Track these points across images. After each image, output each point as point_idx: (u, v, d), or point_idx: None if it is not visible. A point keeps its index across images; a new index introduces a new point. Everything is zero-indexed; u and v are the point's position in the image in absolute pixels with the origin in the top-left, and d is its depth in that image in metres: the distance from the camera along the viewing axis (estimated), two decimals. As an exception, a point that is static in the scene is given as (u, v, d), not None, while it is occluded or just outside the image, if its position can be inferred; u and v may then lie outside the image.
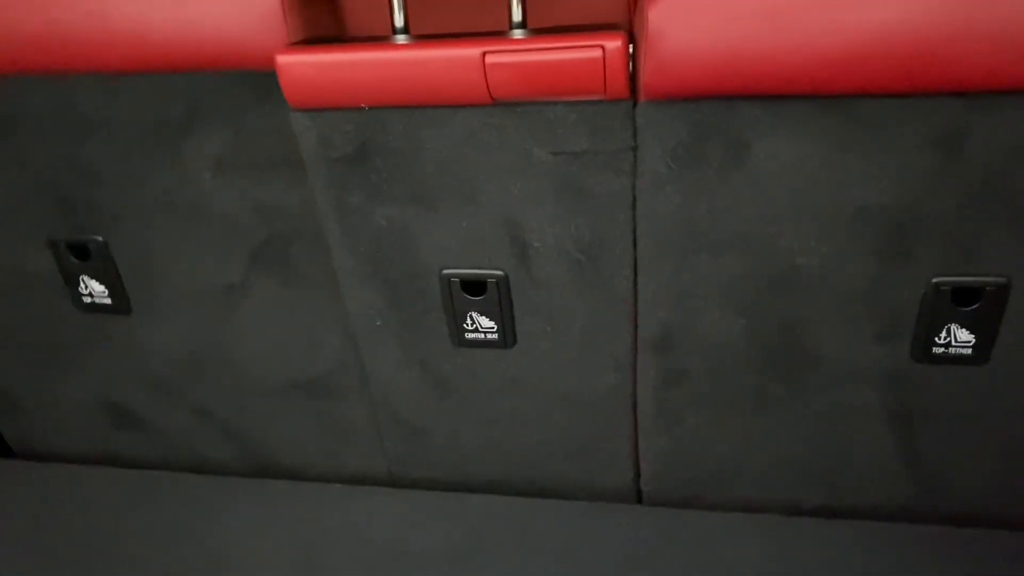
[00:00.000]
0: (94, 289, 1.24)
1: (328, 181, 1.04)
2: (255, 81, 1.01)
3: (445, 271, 1.11)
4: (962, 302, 1.00)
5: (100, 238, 1.19)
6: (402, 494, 1.33)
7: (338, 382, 1.28)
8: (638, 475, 1.26)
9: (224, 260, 1.18)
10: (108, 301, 1.24)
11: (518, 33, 0.96)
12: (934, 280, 0.99)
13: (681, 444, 1.20)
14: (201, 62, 0.99)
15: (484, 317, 1.14)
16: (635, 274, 1.06)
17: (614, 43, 0.89)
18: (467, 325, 1.15)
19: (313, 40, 1.00)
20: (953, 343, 1.03)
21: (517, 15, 0.97)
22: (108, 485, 1.38)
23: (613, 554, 1.17)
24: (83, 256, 1.22)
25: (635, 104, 0.93)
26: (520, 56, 0.91)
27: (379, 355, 1.21)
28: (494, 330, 1.15)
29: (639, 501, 1.28)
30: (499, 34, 0.96)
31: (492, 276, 1.10)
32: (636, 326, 1.11)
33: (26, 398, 1.41)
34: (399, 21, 1.00)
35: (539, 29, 0.97)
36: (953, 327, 1.02)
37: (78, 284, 1.24)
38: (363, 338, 1.20)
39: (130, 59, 1.00)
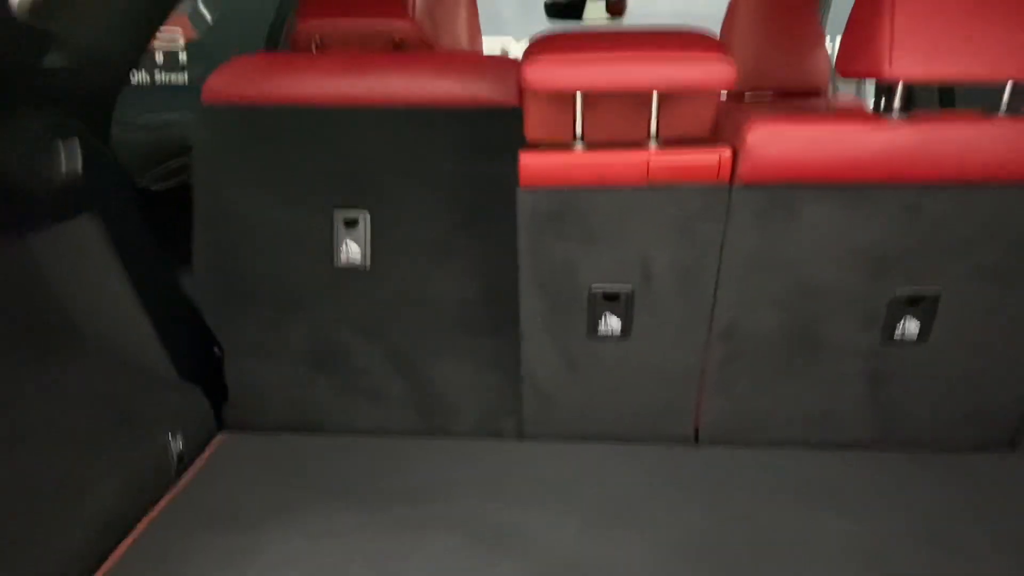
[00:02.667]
0: (351, 250, 1.79)
1: (531, 226, 1.65)
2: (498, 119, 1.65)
3: (594, 287, 1.72)
4: (912, 304, 1.68)
5: (367, 212, 1.76)
6: (527, 447, 1.90)
7: (490, 362, 1.86)
8: (697, 426, 1.89)
9: (438, 225, 1.77)
10: (358, 260, 1.80)
11: (653, 143, 1.60)
12: (896, 292, 1.66)
13: (732, 402, 1.84)
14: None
15: (614, 317, 1.75)
16: (716, 288, 1.70)
17: (726, 152, 1.54)
18: (600, 324, 1.76)
19: (539, 144, 1.62)
20: (906, 331, 1.71)
21: (653, 130, 1.61)
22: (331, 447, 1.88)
23: (678, 475, 1.78)
24: (351, 228, 1.77)
25: (731, 186, 1.58)
26: (671, 159, 1.55)
27: (533, 342, 1.80)
28: (620, 327, 1.76)
29: (696, 442, 1.90)
30: (641, 143, 1.59)
31: (625, 290, 1.71)
32: (711, 323, 1.74)
33: (258, 346, 1.91)
34: (579, 131, 1.62)
35: (667, 139, 1.61)
36: (908, 320, 1.69)
37: (342, 247, 1.79)
38: (525, 332, 1.79)
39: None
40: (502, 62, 1.81)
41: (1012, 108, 1.54)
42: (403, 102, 1.73)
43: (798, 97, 2.53)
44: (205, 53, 3.42)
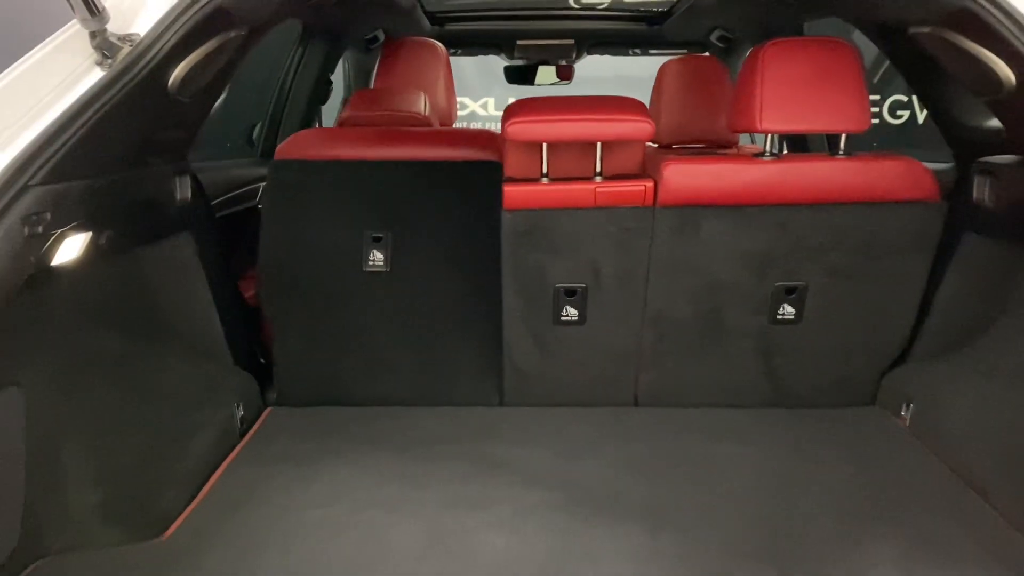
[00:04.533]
0: (376, 258, 2.38)
1: (511, 239, 2.25)
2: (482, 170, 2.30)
3: (557, 285, 2.32)
4: (788, 294, 2.31)
5: (386, 233, 2.37)
6: (508, 411, 2.47)
7: (479, 345, 2.44)
8: (636, 393, 2.48)
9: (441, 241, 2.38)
10: (381, 265, 2.38)
11: (598, 178, 2.22)
12: (776, 284, 2.29)
13: (661, 373, 2.44)
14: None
15: (572, 308, 2.35)
16: (646, 285, 2.31)
17: (650, 184, 2.17)
18: (563, 313, 2.36)
19: (516, 179, 2.23)
20: (785, 314, 2.33)
21: (598, 168, 2.23)
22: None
23: (623, 428, 2.35)
24: (377, 243, 2.37)
25: (654, 208, 2.20)
26: (611, 189, 2.18)
27: (512, 329, 2.39)
28: (577, 316, 2.36)
29: (636, 405, 2.49)
30: (590, 178, 2.22)
31: (580, 286, 2.32)
32: (644, 312, 2.35)
33: (305, 330, 2.46)
34: (545, 169, 2.24)
35: (608, 175, 2.24)
36: (785, 306, 2.32)
37: (370, 256, 2.37)
38: (506, 321, 2.37)
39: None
40: (483, 133, 2.52)
41: (847, 151, 2.20)
42: (417, 159, 2.39)
43: (714, 147, 3.21)
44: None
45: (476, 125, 7.96)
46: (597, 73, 4.94)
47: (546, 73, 4.78)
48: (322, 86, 3.64)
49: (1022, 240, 2.04)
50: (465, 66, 6.77)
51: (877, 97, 6.31)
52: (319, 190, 2.40)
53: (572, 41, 4.09)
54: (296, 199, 2.40)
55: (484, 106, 8.31)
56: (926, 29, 1.95)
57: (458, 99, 8.24)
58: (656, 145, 3.30)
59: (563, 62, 4.41)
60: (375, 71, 3.63)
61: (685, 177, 2.18)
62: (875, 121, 5.14)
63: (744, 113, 2.16)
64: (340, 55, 3.80)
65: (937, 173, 2.27)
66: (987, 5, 1.69)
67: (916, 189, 2.18)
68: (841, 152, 2.21)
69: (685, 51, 4.10)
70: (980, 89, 1.93)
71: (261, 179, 3.24)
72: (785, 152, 3.46)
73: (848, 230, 2.22)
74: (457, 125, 7.86)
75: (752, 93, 2.13)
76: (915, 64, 2.30)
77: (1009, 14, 1.67)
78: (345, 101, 4.41)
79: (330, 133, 2.51)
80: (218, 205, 2.60)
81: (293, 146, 2.44)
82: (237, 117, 3.42)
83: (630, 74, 4.67)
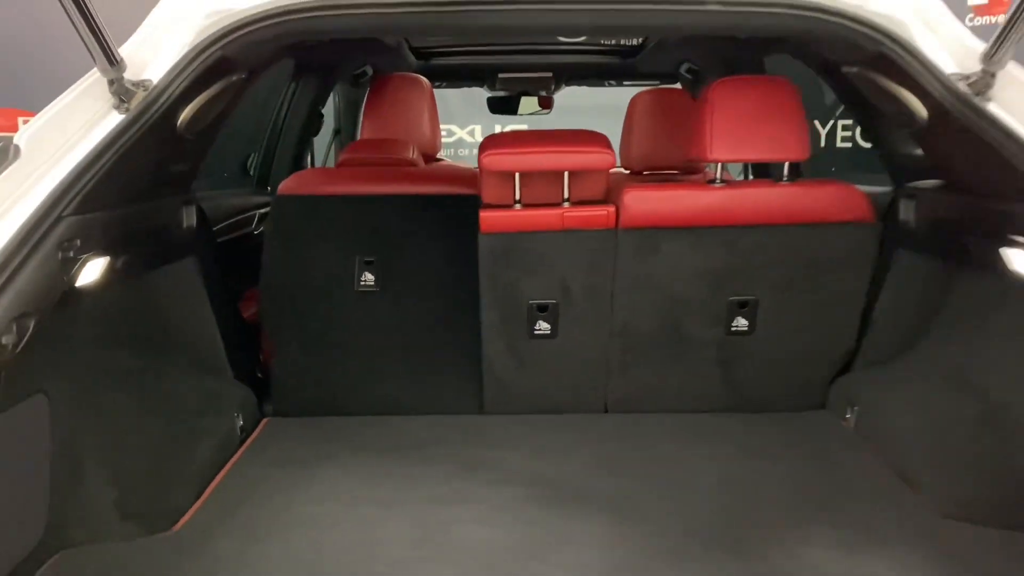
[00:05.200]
0: (367, 279, 2.59)
1: (488, 260, 2.46)
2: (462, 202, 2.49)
3: (531, 301, 2.53)
4: (741, 307, 2.52)
5: (376, 258, 2.58)
6: (489, 418, 2.67)
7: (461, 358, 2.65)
8: (606, 400, 2.68)
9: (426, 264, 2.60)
10: (372, 285, 2.59)
11: (566, 203, 2.44)
12: (730, 298, 2.51)
13: (629, 382, 2.65)
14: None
15: (545, 323, 2.56)
16: (612, 301, 2.52)
17: (612, 209, 2.40)
18: (536, 327, 2.57)
19: (492, 205, 2.45)
20: (739, 326, 2.55)
21: (566, 195, 2.46)
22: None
23: (595, 433, 2.55)
24: (368, 266, 2.58)
25: (617, 231, 2.42)
26: (577, 213, 2.40)
27: (491, 344, 2.59)
28: (549, 329, 2.57)
29: (606, 411, 2.70)
30: (559, 203, 2.44)
31: (552, 302, 2.53)
32: (611, 326, 2.56)
33: (303, 344, 2.66)
34: (518, 196, 2.46)
35: (575, 200, 2.46)
36: (739, 318, 2.53)
37: (362, 277, 2.58)
38: (485, 335, 2.58)
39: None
40: (464, 172, 2.80)
41: (790, 177, 2.44)
42: (405, 194, 2.63)
43: (682, 172, 3.43)
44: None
45: (463, 151, 8.26)
46: (577, 103, 5.20)
47: (529, 103, 5.02)
48: (314, 119, 3.87)
49: (945, 257, 2.26)
50: (453, 96, 7.04)
51: (849, 122, 6.59)
52: (317, 221, 2.64)
53: (550, 74, 4.33)
54: (296, 229, 2.63)
55: (471, 133, 8.61)
56: (855, 69, 2.18)
57: (447, 127, 8.63)
58: (628, 171, 3.53)
59: (543, 93, 4.66)
60: (364, 104, 3.86)
61: (643, 202, 2.41)
62: (847, 145, 5.41)
63: (697, 144, 2.39)
64: (331, 89, 4.03)
65: (880, 196, 2.51)
66: (899, 50, 1.93)
67: (851, 211, 2.41)
68: (785, 179, 2.44)
69: (657, 82, 4.35)
70: (901, 122, 2.17)
71: (257, 207, 3.47)
72: (750, 178, 3.71)
73: (792, 249, 2.45)
74: (446, 152, 8.19)
75: (703, 126, 2.36)
76: (853, 98, 2.54)
77: (918, 57, 1.91)
78: (336, 132, 4.65)
79: (327, 172, 2.85)
80: (218, 231, 2.81)
81: (294, 183, 2.70)
82: (232, 148, 3.63)
83: (607, 103, 4.92)
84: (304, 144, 3.89)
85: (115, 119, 1.84)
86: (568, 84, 4.57)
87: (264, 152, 3.75)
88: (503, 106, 4.94)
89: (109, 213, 1.88)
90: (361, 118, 3.94)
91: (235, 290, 2.82)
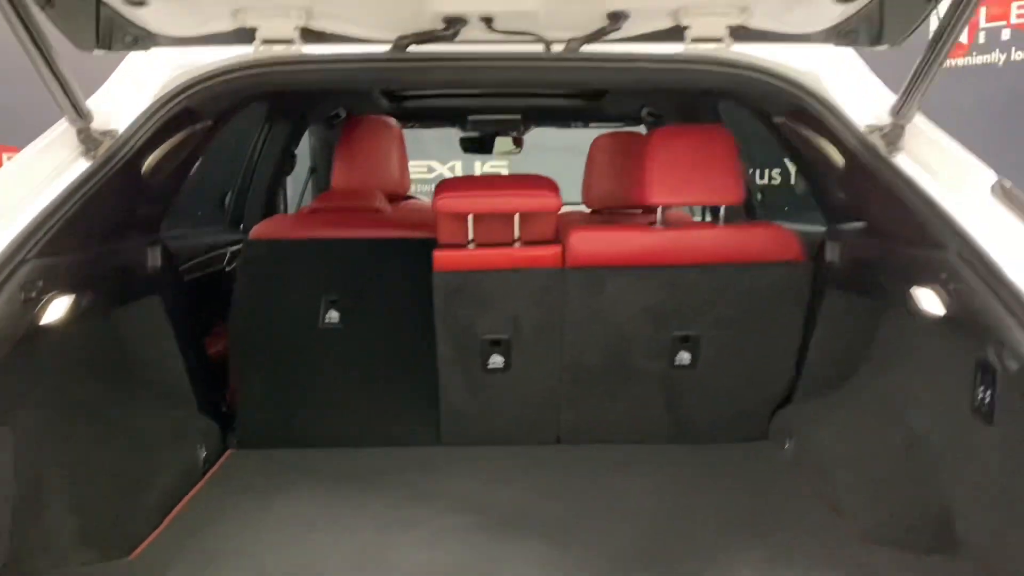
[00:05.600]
0: (332, 317, 2.72)
1: (443, 297, 2.58)
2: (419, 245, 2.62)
3: (484, 336, 2.65)
4: (684, 342, 2.65)
5: (340, 297, 2.70)
6: (445, 449, 2.78)
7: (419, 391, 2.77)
8: (558, 432, 2.79)
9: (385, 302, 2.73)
10: (336, 322, 2.72)
11: (517, 243, 2.58)
12: (673, 334, 2.64)
13: (579, 414, 2.76)
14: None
15: (498, 357, 2.68)
16: (561, 336, 2.64)
17: (559, 248, 2.53)
18: (489, 362, 2.69)
19: (446, 245, 2.58)
20: (682, 360, 2.67)
21: (516, 235, 2.59)
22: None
23: (546, 463, 2.66)
24: (334, 304, 2.70)
25: (564, 269, 2.55)
26: (526, 253, 2.53)
27: (447, 377, 2.71)
28: (502, 363, 2.69)
29: (558, 442, 2.81)
30: (510, 243, 2.57)
31: (504, 337, 2.65)
32: (561, 360, 2.68)
33: (268, 378, 2.77)
34: (471, 236, 2.59)
35: (525, 240, 2.59)
36: (682, 353, 2.66)
37: (326, 315, 2.70)
38: (441, 370, 2.70)
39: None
40: (425, 213, 2.95)
41: (728, 219, 2.58)
42: (368, 237, 2.78)
43: (642, 212, 3.56)
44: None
45: (444, 188, 8.38)
46: (546, 142, 5.37)
47: (503, 142, 5.19)
48: (287, 160, 4.02)
49: (868, 296, 2.40)
50: (434, 134, 7.25)
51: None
52: (285, 264, 2.78)
53: (519, 116, 4.49)
54: (265, 271, 2.77)
55: (451, 169, 8.78)
56: (781, 119, 2.33)
57: (427, 163, 8.82)
58: (589, 210, 3.68)
59: (513, 134, 4.82)
60: (337, 144, 4.00)
61: (588, 243, 2.54)
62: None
63: (639, 188, 2.53)
64: (303, 131, 4.18)
65: (816, 236, 2.65)
66: (816, 104, 2.08)
67: (783, 252, 2.55)
68: (722, 222, 2.58)
69: (621, 123, 4.52)
70: (823, 168, 2.31)
71: (229, 243, 3.59)
72: (708, 219, 3.87)
73: (729, 287, 2.58)
74: (426, 188, 8.35)
75: (643, 171, 2.50)
76: (787, 144, 2.69)
77: (833, 111, 2.06)
78: (312, 170, 4.79)
79: (297, 218, 2.97)
80: (190, 268, 2.93)
81: (265, 228, 2.84)
82: (210, 186, 3.76)
83: (576, 144, 5.10)
84: (277, 184, 4.02)
85: (81, 166, 1.97)
86: (537, 126, 4.73)
87: (238, 191, 3.88)
88: (476, 146, 5.10)
89: (74, 256, 2.00)
90: (334, 158, 4.09)
91: (206, 324, 2.93)
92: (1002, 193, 1.84)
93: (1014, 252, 1.75)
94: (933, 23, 1.86)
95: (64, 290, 1.98)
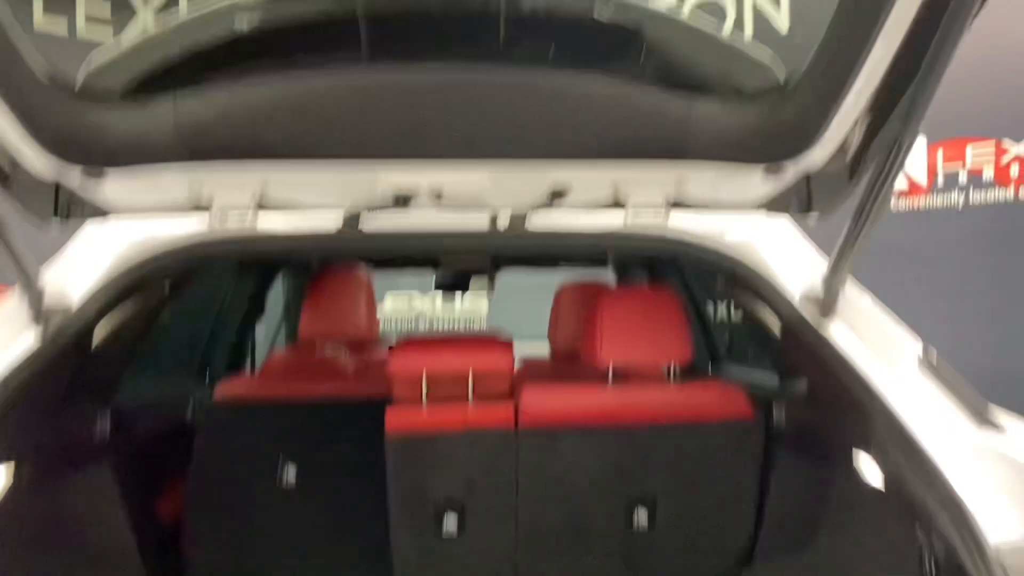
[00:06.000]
0: (289, 479, 2.78)
1: (394, 461, 2.57)
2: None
3: (437, 500, 2.62)
4: (641, 503, 2.62)
5: (298, 460, 2.72)
6: None
7: (372, 556, 2.71)
8: None
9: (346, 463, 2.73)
10: (292, 486, 2.74)
11: (471, 401, 2.59)
12: (629, 494, 2.61)
13: None
14: None
15: (452, 521, 2.63)
16: (516, 498, 2.61)
17: (512, 407, 2.54)
18: (443, 526, 2.64)
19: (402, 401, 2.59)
20: (640, 521, 2.62)
21: (470, 393, 2.60)
22: None
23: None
24: (292, 466, 2.74)
25: (516, 431, 2.55)
26: (479, 412, 2.54)
27: (400, 542, 2.66)
28: (456, 528, 2.64)
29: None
30: (464, 401, 2.58)
31: (458, 503, 2.62)
32: (516, 524, 2.63)
33: (226, 540, 2.75)
34: (424, 394, 2.60)
35: (480, 394, 2.60)
36: (639, 514, 2.62)
37: (284, 478, 2.76)
38: (393, 535, 2.65)
39: None
40: (381, 374, 2.88)
41: (679, 379, 2.60)
42: (327, 397, 2.84)
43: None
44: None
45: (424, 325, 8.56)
46: (518, 282, 5.51)
47: (479, 280, 5.29)
48: (256, 308, 4.07)
49: (813, 457, 2.40)
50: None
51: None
52: (248, 428, 2.83)
53: (488, 260, 4.58)
54: (227, 436, 2.82)
55: (432, 300, 8.96)
56: (724, 284, 2.39)
57: (409, 292, 8.97)
58: (554, 358, 3.72)
59: (485, 276, 4.92)
60: (307, 292, 4.07)
61: (541, 401, 2.55)
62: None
63: (588, 346, 2.57)
64: (273, 279, 4.25)
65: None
66: (751, 274, 2.14)
67: (732, 410, 2.56)
68: (672, 380, 2.60)
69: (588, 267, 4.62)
70: (765, 331, 2.36)
71: (192, 393, 3.59)
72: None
73: (683, 447, 2.58)
74: (410, 315, 8.50)
75: (593, 331, 2.54)
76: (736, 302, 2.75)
77: (766, 280, 2.12)
78: (286, 309, 4.84)
79: (262, 377, 3.11)
80: (147, 427, 2.92)
81: (229, 388, 2.92)
82: (176, 334, 3.79)
83: (549, 284, 5.23)
84: (245, 332, 4.06)
85: (29, 338, 2.00)
86: (507, 268, 4.83)
87: (206, 340, 3.91)
88: (451, 286, 5.20)
89: (20, 425, 2.00)
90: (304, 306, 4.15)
91: (160, 485, 2.89)
92: (927, 365, 1.88)
93: (936, 425, 1.77)
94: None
95: (7, 458, 1.97)
